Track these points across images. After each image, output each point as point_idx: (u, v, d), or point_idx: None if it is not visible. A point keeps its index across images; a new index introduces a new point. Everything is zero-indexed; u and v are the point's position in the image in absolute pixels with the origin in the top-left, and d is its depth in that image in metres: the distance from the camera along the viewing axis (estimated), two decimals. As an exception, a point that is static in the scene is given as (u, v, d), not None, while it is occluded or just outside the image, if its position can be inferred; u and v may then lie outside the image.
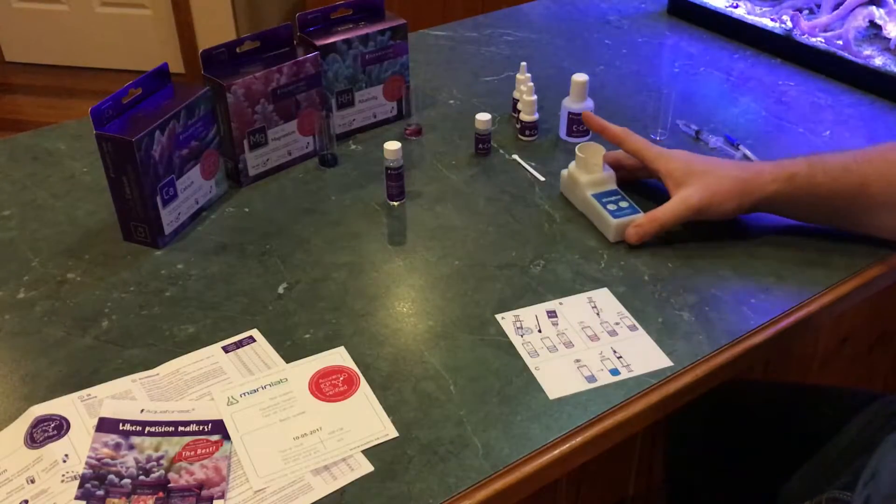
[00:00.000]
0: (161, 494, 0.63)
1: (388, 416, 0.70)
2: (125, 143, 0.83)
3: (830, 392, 0.97)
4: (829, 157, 0.86)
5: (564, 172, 0.97)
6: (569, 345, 0.77)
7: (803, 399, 0.95)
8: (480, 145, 1.06)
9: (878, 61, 1.19)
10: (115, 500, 0.62)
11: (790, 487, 0.79)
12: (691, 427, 0.94)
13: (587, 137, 1.08)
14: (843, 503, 0.68)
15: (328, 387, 0.72)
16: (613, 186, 0.93)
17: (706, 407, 0.87)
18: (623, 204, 0.91)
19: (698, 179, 0.86)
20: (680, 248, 0.89)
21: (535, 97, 1.07)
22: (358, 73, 1.07)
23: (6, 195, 0.99)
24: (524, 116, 1.08)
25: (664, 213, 0.87)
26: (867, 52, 1.22)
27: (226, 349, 0.77)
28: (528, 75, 1.10)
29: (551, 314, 0.81)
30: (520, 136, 1.09)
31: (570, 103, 1.06)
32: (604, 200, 0.91)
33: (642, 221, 0.87)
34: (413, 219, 0.95)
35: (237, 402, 0.71)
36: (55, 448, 0.66)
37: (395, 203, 0.97)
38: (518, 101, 1.11)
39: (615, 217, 0.89)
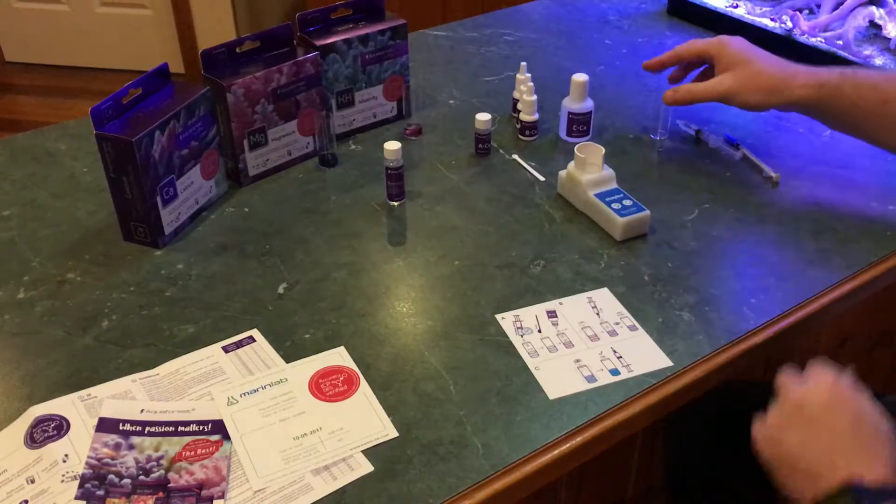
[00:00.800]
0: (161, 494, 0.63)
1: (388, 416, 0.70)
2: (125, 143, 0.83)
3: None
4: (863, 73, 0.93)
5: (563, 173, 0.96)
6: (569, 345, 0.77)
7: None
8: (480, 145, 1.06)
9: (878, 61, 1.19)
10: (115, 500, 0.62)
11: None
12: (690, 428, 0.94)
13: (587, 137, 1.08)
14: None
15: (328, 387, 0.72)
16: (614, 185, 0.93)
17: (705, 407, 0.87)
18: (627, 202, 0.90)
19: (739, 68, 0.95)
20: (680, 248, 0.90)
21: (535, 97, 1.07)
22: (358, 73, 1.07)
23: (6, 195, 0.99)
24: (524, 116, 1.08)
25: (699, 87, 0.98)
26: (867, 52, 1.21)
27: (226, 349, 0.77)
28: (528, 75, 1.10)
29: (551, 314, 0.81)
30: (520, 136, 1.09)
31: (570, 103, 1.06)
32: (607, 199, 0.91)
33: (679, 89, 1.00)
34: (413, 219, 0.95)
35: (237, 402, 0.71)
36: (55, 448, 0.66)
37: (395, 203, 0.97)
38: (518, 101, 1.11)
39: (622, 216, 0.89)
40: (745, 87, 0.94)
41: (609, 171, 0.94)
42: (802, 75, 0.93)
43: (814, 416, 0.67)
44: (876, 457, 0.64)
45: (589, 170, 0.93)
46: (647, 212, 0.90)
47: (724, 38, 0.99)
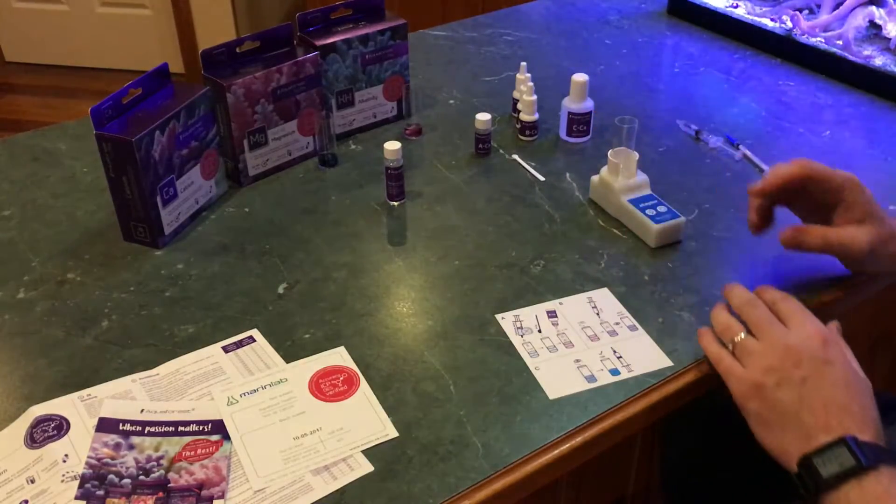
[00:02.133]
0: (161, 494, 0.63)
1: (388, 416, 0.70)
2: (125, 143, 0.83)
3: None
4: None
5: (595, 178, 0.96)
6: (569, 345, 0.77)
7: None
8: (480, 145, 1.06)
9: (878, 61, 1.19)
10: (115, 500, 0.62)
11: (788, 489, 0.79)
12: (687, 429, 0.94)
13: (587, 137, 1.08)
14: None
15: (328, 387, 0.72)
16: (648, 191, 0.93)
17: (702, 409, 0.87)
18: (661, 209, 0.90)
19: (877, 224, 0.77)
20: (680, 248, 0.89)
21: (535, 97, 1.07)
22: (358, 73, 1.07)
23: (6, 195, 0.99)
24: (524, 116, 1.08)
25: (835, 234, 0.77)
26: (867, 52, 1.22)
27: (226, 349, 0.77)
28: (528, 75, 1.10)
29: (551, 314, 0.81)
30: (520, 136, 1.09)
31: (570, 103, 1.06)
32: (641, 206, 0.90)
33: (810, 231, 0.78)
34: (413, 219, 0.95)
35: (237, 402, 0.71)
36: (55, 448, 0.66)
37: (395, 203, 0.97)
38: (518, 101, 1.11)
39: (657, 222, 0.88)
40: (882, 249, 0.77)
41: (643, 177, 0.93)
42: None
43: (810, 373, 0.65)
44: (866, 417, 0.64)
45: (624, 175, 0.92)
46: (682, 218, 0.89)
47: (856, 179, 0.79)
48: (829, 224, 0.79)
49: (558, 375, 0.74)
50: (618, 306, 0.82)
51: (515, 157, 1.06)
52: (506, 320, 0.80)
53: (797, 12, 1.29)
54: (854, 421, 0.63)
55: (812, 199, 0.79)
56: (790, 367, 0.66)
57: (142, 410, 0.70)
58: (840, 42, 1.23)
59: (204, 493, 0.63)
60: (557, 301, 0.82)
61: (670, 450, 0.93)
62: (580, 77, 1.04)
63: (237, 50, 0.97)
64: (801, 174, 0.78)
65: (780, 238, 0.79)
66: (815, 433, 0.63)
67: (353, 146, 1.09)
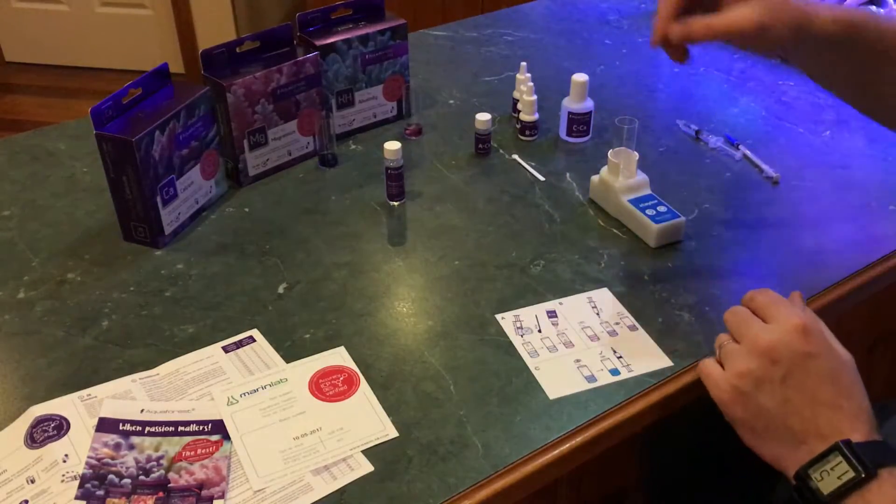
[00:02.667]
0: (161, 494, 0.63)
1: (388, 416, 0.70)
2: (125, 143, 0.83)
3: None
4: (886, 21, 0.75)
5: (595, 178, 0.96)
6: (569, 345, 0.77)
7: None
8: (480, 145, 1.06)
9: (878, 61, 1.19)
10: (115, 500, 0.62)
11: (778, 495, 0.78)
12: (675, 434, 0.93)
13: (587, 137, 1.08)
14: None
15: (328, 387, 0.72)
16: (648, 191, 0.93)
17: (690, 414, 0.87)
18: (661, 209, 0.90)
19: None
20: (680, 248, 0.90)
21: (535, 97, 1.07)
22: (358, 73, 1.07)
23: (6, 195, 0.99)
24: (524, 116, 1.08)
25: (720, 20, 0.70)
26: (867, 52, 1.21)
27: (226, 349, 0.77)
28: (528, 75, 1.10)
29: (551, 314, 0.81)
30: (520, 136, 1.09)
31: (570, 103, 1.06)
32: (641, 206, 0.90)
33: (692, 22, 0.71)
34: (413, 219, 0.95)
35: (237, 402, 0.71)
36: (55, 448, 0.66)
37: (395, 203, 0.97)
38: (518, 101, 1.11)
39: (657, 222, 0.88)
40: (776, 19, 0.70)
41: (643, 177, 0.93)
42: (826, 7, 0.73)
43: (790, 369, 0.62)
44: (856, 409, 0.61)
45: (624, 174, 0.92)
46: (682, 218, 0.89)
47: None
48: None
49: (558, 375, 0.74)
50: (618, 306, 0.82)
51: (515, 157, 1.06)
52: (506, 320, 0.80)
53: (797, 12, 1.29)
54: (845, 418, 0.60)
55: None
56: (768, 366, 0.63)
57: (142, 410, 0.70)
58: (840, 42, 1.23)
59: (204, 493, 0.63)
60: (557, 301, 0.82)
61: (659, 452, 0.93)
62: (580, 77, 1.04)
63: (237, 50, 0.97)
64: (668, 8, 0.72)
65: (669, 33, 0.72)
66: (807, 439, 0.61)
67: (353, 146, 1.09)
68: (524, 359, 0.76)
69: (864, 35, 0.73)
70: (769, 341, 0.64)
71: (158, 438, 0.67)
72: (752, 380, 0.63)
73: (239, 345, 0.77)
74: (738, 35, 0.72)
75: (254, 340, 0.78)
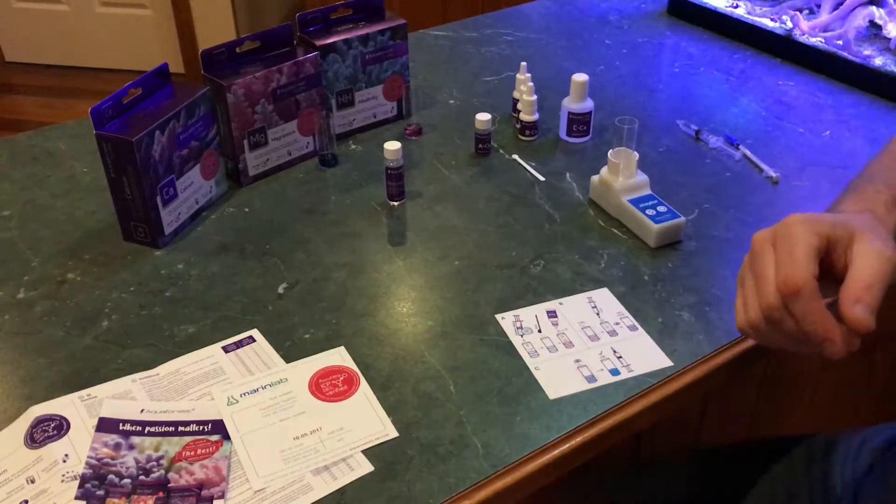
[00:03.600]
0: (161, 494, 0.63)
1: (388, 416, 0.70)
2: (125, 143, 0.83)
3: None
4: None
5: (595, 178, 0.96)
6: (569, 345, 0.77)
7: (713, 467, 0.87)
8: (480, 145, 1.06)
9: (878, 61, 1.19)
10: (115, 500, 0.62)
11: None
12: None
13: (587, 137, 1.08)
14: None
15: (328, 387, 0.72)
16: (648, 191, 0.93)
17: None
18: (661, 209, 0.90)
19: (867, 234, 0.61)
20: (680, 248, 0.89)
21: (535, 97, 1.07)
22: (358, 73, 1.07)
23: (6, 195, 0.99)
24: (524, 116, 1.08)
25: (863, 275, 0.60)
26: (867, 52, 1.22)
27: (226, 349, 0.77)
28: (528, 75, 1.10)
29: (551, 314, 0.81)
30: (520, 136, 1.09)
31: (570, 103, 1.06)
32: (641, 206, 0.90)
33: (861, 296, 0.59)
34: (413, 219, 0.95)
35: (237, 402, 0.71)
36: (55, 448, 0.66)
37: (395, 203, 0.97)
38: (518, 101, 1.11)
39: (657, 222, 0.88)
40: (875, 237, 0.61)
41: (643, 177, 0.93)
42: (875, 205, 0.68)
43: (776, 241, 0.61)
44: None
45: (624, 175, 0.92)
46: (682, 218, 0.89)
47: (793, 219, 0.62)
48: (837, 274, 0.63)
49: (558, 375, 0.74)
50: (618, 306, 0.82)
51: (515, 157, 1.06)
52: (506, 320, 0.80)
53: (797, 12, 1.29)
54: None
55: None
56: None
57: (142, 410, 0.70)
58: (840, 42, 1.23)
59: (204, 493, 0.63)
60: (557, 301, 0.82)
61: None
62: (580, 77, 1.04)
63: (237, 50, 0.97)
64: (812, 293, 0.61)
65: (859, 323, 0.59)
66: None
67: (353, 146, 1.09)
68: (524, 359, 0.76)
69: None
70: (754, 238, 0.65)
71: (158, 438, 0.67)
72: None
73: (239, 345, 0.77)
74: (888, 277, 0.60)
75: (254, 340, 0.78)
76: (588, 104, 1.06)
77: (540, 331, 0.79)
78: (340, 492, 0.64)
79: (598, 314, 0.81)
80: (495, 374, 0.74)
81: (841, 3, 1.26)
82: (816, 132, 1.11)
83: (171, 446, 0.67)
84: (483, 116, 1.04)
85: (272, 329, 0.79)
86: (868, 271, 0.60)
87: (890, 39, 1.22)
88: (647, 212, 0.89)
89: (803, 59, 1.26)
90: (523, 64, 1.11)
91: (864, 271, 0.60)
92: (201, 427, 0.68)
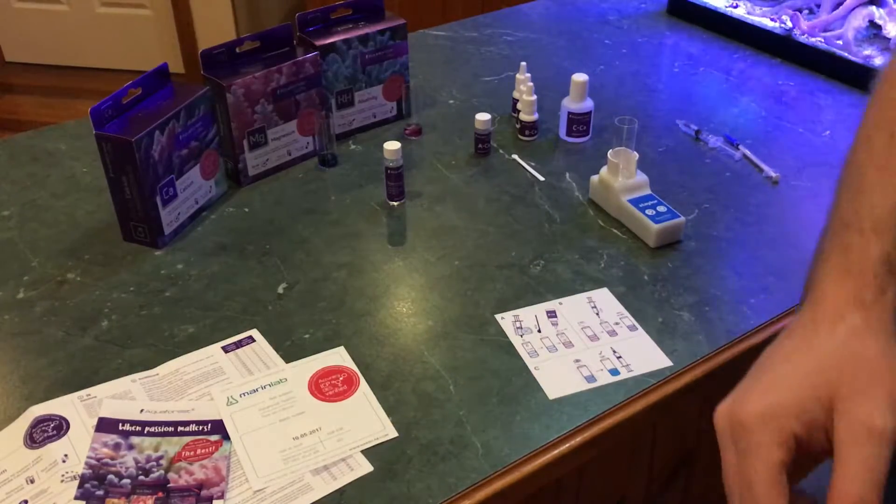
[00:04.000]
0: (161, 494, 0.63)
1: (388, 416, 0.70)
2: (125, 143, 0.83)
3: None
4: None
5: (595, 178, 0.96)
6: (568, 345, 0.77)
7: None
8: (480, 145, 1.06)
9: (878, 61, 1.19)
10: (115, 500, 0.62)
11: None
12: None
13: (587, 137, 1.08)
14: None
15: (328, 387, 0.72)
16: (648, 191, 0.93)
17: None
18: (661, 209, 0.90)
19: (848, 404, 0.49)
20: (680, 248, 0.89)
21: (534, 97, 1.07)
22: (358, 73, 1.07)
23: (6, 195, 0.99)
24: (524, 116, 1.08)
25: (858, 479, 0.47)
26: (867, 52, 1.22)
27: (225, 349, 0.76)
28: (528, 75, 1.10)
29: (551, 314, 0.81)
30: (520, 136, 1.09)
31: (570, 103, 1.06)
32: (641, 206, 0.90)
33: (865, 496, 0.47)
34: (413, 219, 0.95)
35: (237, 402, 0.71)
36: (55, 448, 0.66)
37: (395, 203, 0.97)
38: (518, 101, 1.11)
39: (657, 222, 0.88)
40: (863, 400, 0.48)
41: (643, 177, 0.93)
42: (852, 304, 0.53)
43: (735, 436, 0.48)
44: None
45: (624, 174, 0.92)
46: (682, 218, 0.89)
47: (751, 418, 0.50)
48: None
49: (558, 375, 0.74)
50: (618, 306, 0.82)
51: (515, 157, 1.06)
52: (505, 320, 0.80)
53: (797, 12, 1.29)
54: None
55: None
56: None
57: (141, 410, 0.70)
58: (840, 42, 1.23)
59: (203, 493, 0.63)
60: (557, 301, 0.82)
61: None
62: (580, 77, 1.04)
63: (237, 50, 0.97)
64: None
65: None
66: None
67: (353, 146, 1.09)
68: (524, 359, 0.76)
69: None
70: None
71: (158, 438, 0.67)
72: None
73: (238, 345, 0.77)
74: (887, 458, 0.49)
75: (253, 340, 0.78)
76: (588, 104, 1.06)
77: (540, 331, 0.79)
78: (340, 492, 0.64)
79: (597, 314, 0.81)
80: (495, 374, 0.74)
81: (841, 3, 1.26)
82: (816, 132, 1.11)
83: (171, 446, 0.67)
84: (483, 116, 1.04)
85: (272, 329, 0.79)
86: (856, 476, 0.47)
87: (890, 39, 1.22)
88: (647, 212, 0.89)
89: (803, 59, 1.26)
90: (523, 64, 1.11)
91: (850, 478, 0.47)
92: (201, 427, 0.68)
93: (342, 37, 1.03)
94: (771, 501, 0.48)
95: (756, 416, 0.49)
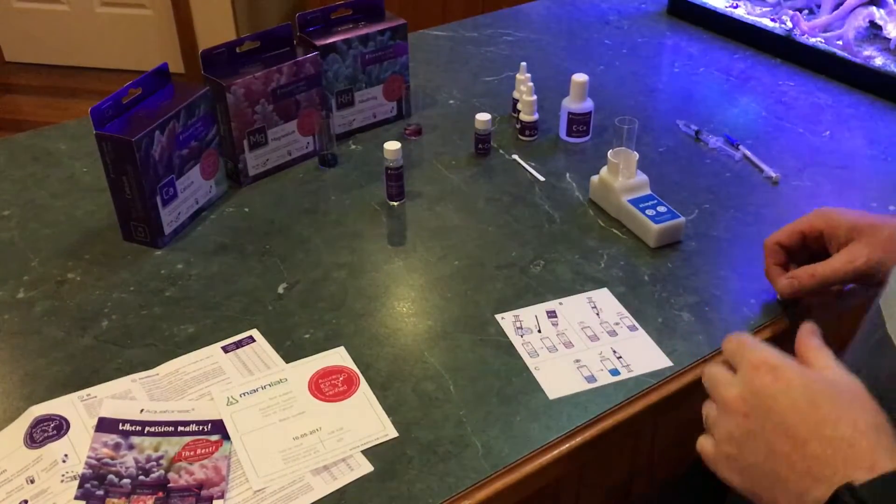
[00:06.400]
0: (161, 494, 0.63)
1: (388, 416, 0.70)
2: (125, 143, 0.83)
3: None
4: None
5: (595, 179, 0.96)
6: (568, 345, 0.77)
7: None
8: (480, 145, 1.06)
9: (878, 61, 1.19)
10: (115, 500, 0.62)
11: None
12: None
13: (587, 137, 1.08)
14: None
15: (328, 387, 0.72)
16: (648, 191, 0.93)
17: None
18: (661, 209, 0.90)
19: (867, 235, 0.72)
20: (680, 248, 0.89)
21: (534, 97, 1.07)
22: (358, 73, 1.07)
23: (6, 195, 0.99)
24: (524, 116, 1.08)
25: (825, 268, 0.74)
26: (867, 52, 1.22)
27: (225, 349, 0.76)
28: (528, 75, 1.10)
29: (551, 314, 0.81)
30: (520, 136, 1.09)
31: (570, 103, 1.06)
32: (641, 206, 0.90)
33: (799, 273, 0.76)
34: (413, 219, 0.95)
35: (237, 402, 0.71)
36: (55, 448, 0.66)
37: (395, 203, 0.97)
38: (518, 101, 1.11)
39: (657, 222, 0.88)
40: (888, 253, 0.71)
41: (643, 177, 0.93)
42: None
43: (764, 414, 0.52)
44: (853, 435, 0.49)
45: (624, 175, 0.92)
46: (682, 218, 0.89)
47: (824, 208, 0.78)
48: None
49: (558, 375, 0.74)
50: (618, 306, 0.82)
51: (515, 157, 1.06)
52: (505, 320, 0.80)
53: (797, 12, 1.29)
54: (838, 452, 0.48)
55: (810, 252, 0.79)
56: (742, 421, 0.54)
57: (141, 410, 0.70)
58: (840, 42, 1.23)
59: (203, 493, 0.63)
60: (557, 301, 0.82)
61: None
62: (580, 77, 1.04)
63: (237, 50, 0.97)
64: (773, 255, 0.79)
65: (779, 291, 0.79)
66: (807, 489, 0.49)
67: (353, 146, 1.09)
68: (524, 359, 0.76)
69: None
70: (735, 395, 0.55)
71: (158, 438, 0.67)
72: (734, 442, 0.54)
73: (239, 345, 0.77)
74: (849, 280, 0.74)
75: (253, 340, 0.78)
76: (588, 104, 1.06)
77: (540, 331, 0.79)
78: (340, 492, 0.64)
79: (597, 314, 0.81)
80: (495, 374, 0.74)
81: (841, 4, 1.26)
82: (816, 132, 1.11)
83: (171, 446, 0.67)
84: (483, 116, 1.04)
85: (272, 329, 0.79)
86: (829, 268, 0.74)
87: (890, 40, 1.22)
88: (647, 212, 0.89)
89: (803, 60, 1.26)
90: (523, 64, 1.11)
91: (828, 264, 0.74)
92: (201, 427, 0.68)
93: (342, 37, 1.03)
94: (782, 234, 0.78)
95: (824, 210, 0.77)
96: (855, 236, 0.73)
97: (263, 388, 0.72)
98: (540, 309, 0.81)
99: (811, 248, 0.78)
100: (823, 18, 1.27)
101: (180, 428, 0.68)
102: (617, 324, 0.79)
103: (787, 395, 0.52)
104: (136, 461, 0.65)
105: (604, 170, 0.94)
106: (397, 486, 0.64)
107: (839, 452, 0.49)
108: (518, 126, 1.09)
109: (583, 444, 0.69)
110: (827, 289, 0.76)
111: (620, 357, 0.76)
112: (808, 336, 0.59)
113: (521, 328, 0.79)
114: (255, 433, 0.68)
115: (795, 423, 0.51)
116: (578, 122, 1.07)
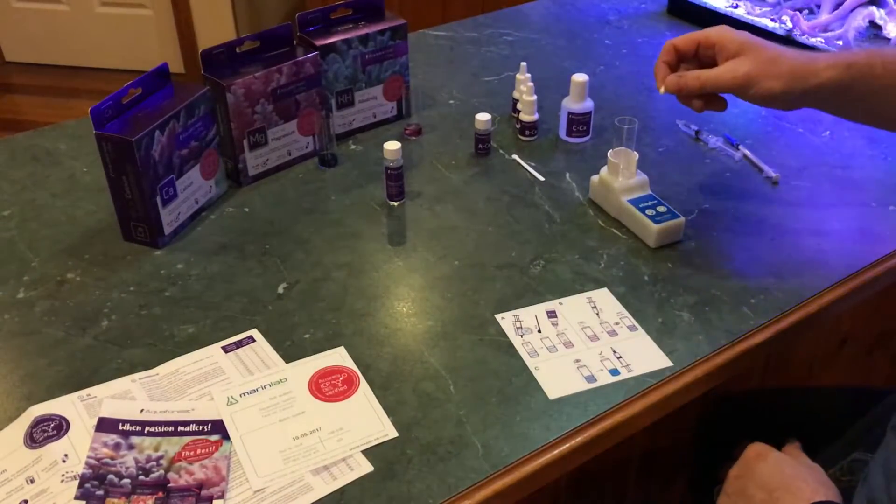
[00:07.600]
0: (161, 494, 0.63)
1: (388, 416, 0.70)
2: (125, 143, 0.83)
3: (824, 393, 0.97)
4: (890, 50, 0.83)
5: (595, 179, 0.96)
6: (568, 345, 0.77)
7: (801, 403, 0.95)
8: (480, 145, 1.06)
9: (878, 61, 1.19)
10: (115, 500, 0.62)
11: None
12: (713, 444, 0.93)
13: (587, 137, 1.08)
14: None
15: (328, 387, 0.72)
16: (648, 191, 0.93)
17: (698, 421, 0.88)
18: (661, 209, 0.90)
19: (753, 53, 0.81)
20: (680, 248, 0.90)
21: (534, 97, 1.07)
22: (358, 73, 1.07)
23: (6, 195, 0.99)
24: (524, 116, 1.08)
25: (709, 73, 0.82)
26: (867, 52, 1.21)
27: (225, 349, 0.77)
28: (528, 75, 1.10)
29: (551, 314, 0.81)
30: (519, 136, 1.09)
31: (570, 103, 1.06)
32: (641, 206, 0.90)
33: (686, 74, 0.84)
34: (413, 219, 0.95)
35: (237, 402, 0.71)
36: (55, 448, 0.66)
37: (395, 203, 0.97)
38: (518, 101, 1.11)
39: (657, 222, 0.88)
40: (766, 72, 0.79)
41: (643, 177, 0.93)
42: (825, 58, 0.79)
43: (749, 474, 0.75)
44: (808, 486, 0.71)
45: (624, 175, 0.92)
46: (682, 218, 0.89)
47: (722, 26, 0.85)
48: None
49: (558, 375, 0.74)
50: (618, 306, 0.82)
51: (515, 157, 1.06)
52: (505, 320, 0.80)
53: (797, 12, 1.29)
54: (796, 494, 0.71)
55: (700, 62, 0.87)
56: (734, 482, 0.78)
57: (141, 410, 0.70)
58: (840, 42, 1.23)
59: (203, 493, 0.63)
60: (557, 301, 0.82)
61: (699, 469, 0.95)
62: (580, 77, 1.04)
63: (237, 50, 0.97)
64: (668, 57, 0.87)
65: (664, 85, 0.85)
66: None
67: (353, 146, 1.09)
68: (524, 359, 0.76)
69: (866, 72, 0.78)
70: (734, 468, 0.78)
71: (158, 438, 0.67)
72: (732, 496, 0.77)
73: (239, 345, 0.77)
74: (727, 88, 0.83)
75: (253, 340, 0.78)
76: (588, 104, 1.06)
77: (540, 331, 0.79)
78: (340, 492, 0.64)
79: (597, 314, 0.81)
80: (495, 374, 0.74)
81: (841, 4, 1.26)
82: (816, 132, 1.11)
83: (171, 446, 0.67)
84: (483, 116, 1.04)
85: (272, 329, 0.79)
86: (713, 74, 0.82)
87: (890, 40, 1.22)
88: (647, 212, 0.89)
89: (803, 59, 1.26)
90: (523, 64, 1.11)
91: (712, 71, 0.83)
92: (201, 427, 0.68)
93: (342, 37, 1.03)
94: (681, 41, 0.86)
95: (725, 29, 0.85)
96: (742, 52, 0.81)
97: (263, 388, 0.72)
98: (540, 309, 0.81)
99: (701, 59, 0.86)
100: (823, 18, 1.27)
101: (180, 428, 0.68)
102: (617, 324, 0.79)
103: (766, 465, 0.75)
104: (136, 461, 0.65)
105: (604, 170, 0.94)
106: (397, 486, 0.64)
107: (796, 494, 0.71)
108: (518, 126, 1.09)
109: (583, 444, 0.69)
110: (706, 93, 0.84)
111: (620, 357, 0.76)
112: (791, 446, 0.80)
113: (521, 328, 0.79)
114: (255, 433, 0.68)
115: (769, 480, 0.74)
116: (578, 122, 1.07)
